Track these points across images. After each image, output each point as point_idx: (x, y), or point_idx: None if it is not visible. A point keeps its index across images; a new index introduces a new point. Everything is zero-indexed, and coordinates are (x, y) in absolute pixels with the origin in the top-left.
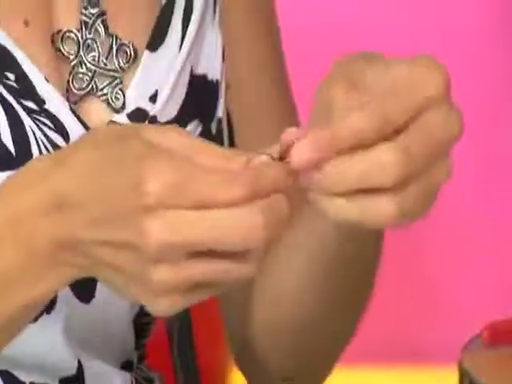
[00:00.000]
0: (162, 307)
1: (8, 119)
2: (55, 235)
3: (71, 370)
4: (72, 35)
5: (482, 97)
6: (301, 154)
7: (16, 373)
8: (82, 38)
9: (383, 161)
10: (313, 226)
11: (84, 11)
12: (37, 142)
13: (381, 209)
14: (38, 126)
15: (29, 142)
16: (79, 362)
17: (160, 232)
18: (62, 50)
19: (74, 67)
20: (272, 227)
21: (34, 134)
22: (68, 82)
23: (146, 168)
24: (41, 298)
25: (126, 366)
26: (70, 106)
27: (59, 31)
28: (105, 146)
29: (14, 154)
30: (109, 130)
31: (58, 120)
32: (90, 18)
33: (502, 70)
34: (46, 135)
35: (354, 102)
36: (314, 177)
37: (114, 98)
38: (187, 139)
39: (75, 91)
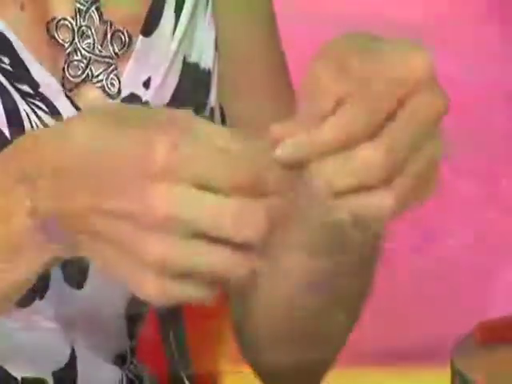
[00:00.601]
0: (148, 288)
1: (2, 102)
2: (37, 202)
3: (64, 360)
4: (66, 23)
5: (481, 96)
6: (285, 152)
7: (8, 368)
8: (76, 25)
9: (368, 162)
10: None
11: None
12: (31, 125)
13: (378, 205)
14: (32, 109)
15: (23, 125)
16: (72, 352)
17: (163, 202)
18: (57, 37)
19: (69, 55)
20: (272, 225)
21: (29, 117)
22: (63, 69)
23: (154, 135)
24: (18, 279)
25: (120, 360)
26: (65, 93)
27: (53, 19)
28: (109, 119)
29: (8, 137)
30: (112, 105)
31: (54, 106)
32: (85, 5)
33: (502, 68)
34: (40, 119)
35: (339, 85)
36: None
37: (109, 85)
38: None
39: (71, 78)
